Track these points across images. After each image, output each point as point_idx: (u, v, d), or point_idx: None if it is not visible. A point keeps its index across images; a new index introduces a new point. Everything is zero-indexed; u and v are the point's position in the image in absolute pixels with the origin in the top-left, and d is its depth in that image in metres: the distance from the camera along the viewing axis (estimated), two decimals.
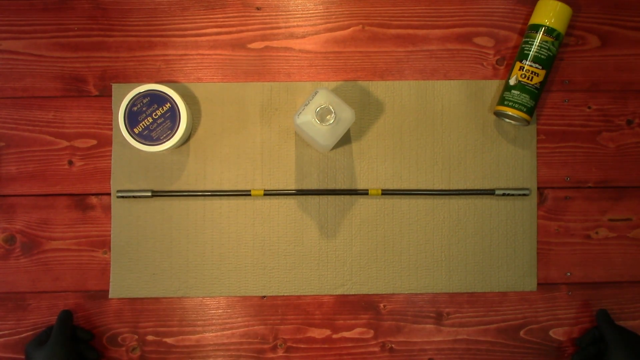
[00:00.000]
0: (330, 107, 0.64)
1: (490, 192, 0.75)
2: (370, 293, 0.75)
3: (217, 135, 0.75)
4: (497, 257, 0.75)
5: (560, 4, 0.72)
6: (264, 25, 0.76)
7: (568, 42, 0.76)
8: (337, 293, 0.75)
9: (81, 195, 0.75)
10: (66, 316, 0.72)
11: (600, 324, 0.72)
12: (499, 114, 0.74)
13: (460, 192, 0.75)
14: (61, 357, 0.67)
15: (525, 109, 0.72)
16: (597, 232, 0.76)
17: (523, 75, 0.72)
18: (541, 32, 0.72)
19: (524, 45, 0.73)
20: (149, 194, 0.74)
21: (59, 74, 0.75)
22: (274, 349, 0.75)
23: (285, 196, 0.75)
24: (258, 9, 0.76)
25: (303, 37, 0.76)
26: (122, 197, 0.74)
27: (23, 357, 0.74)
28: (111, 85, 0.75)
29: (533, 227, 0.75)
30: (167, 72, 0.76)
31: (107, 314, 0.74)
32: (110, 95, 0.75)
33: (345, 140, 0.75)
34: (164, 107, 0.70)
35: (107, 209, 0.75)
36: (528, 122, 0.73)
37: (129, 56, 0.76)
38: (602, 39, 0.77)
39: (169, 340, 0.74)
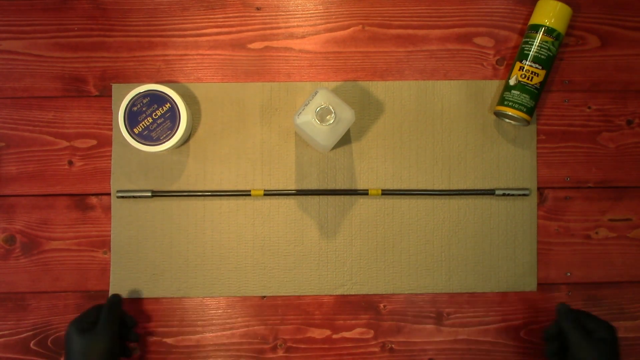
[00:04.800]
0: (330, 107, 0.64)
1: (490, 192, 0.75)
2: (370, 293, 0.75)
3: (217, 135, 0.75)
4: (497, 257, 0.75)
5: (560, 4, 0.72)
6: (264, 25, 0.76)
7: (568, 42, 0.76)
8: (337, 293, 0.75)
9: (81, 195, 0.75)
10: (116, 300, 0.70)
11: (558, 319, 0.69)
12: (499, 114, 0.74)
13: (460, 192, 0.75)
14: (107, 344, 0.65)
15: (525, 109, 0.72)
16: (597, 232, 0.76)
17: (523, 76, 0.72)
18: (541, 32, 0.72)
19: (524, 46, 0.73)
20: (149, 194, 0.74)
21: (59, 74, 0.75)
22: (274, 349, 0.75)
23: (285, 196, 0.75)
24: (258, 9, 0.76)
25: (303, 37, 0.76)
26: (122, 197, 0.74)
27: (24, 356, 0.74)
28: (111, 85, 0.75)
29: (533, 227, 0.75)
30: (167, 72, 0.76)
31: None
32: (110, 96, 0.75)
33: (345, 140, 0.75)
34: (164, 107, 0.70)
35: (107, 209, 0.75)
36: (528, 122, 0.73)
37: (129, 56, 0.76)
38: (602, 39, 0.77)
39: (169, 340, 0.74)
